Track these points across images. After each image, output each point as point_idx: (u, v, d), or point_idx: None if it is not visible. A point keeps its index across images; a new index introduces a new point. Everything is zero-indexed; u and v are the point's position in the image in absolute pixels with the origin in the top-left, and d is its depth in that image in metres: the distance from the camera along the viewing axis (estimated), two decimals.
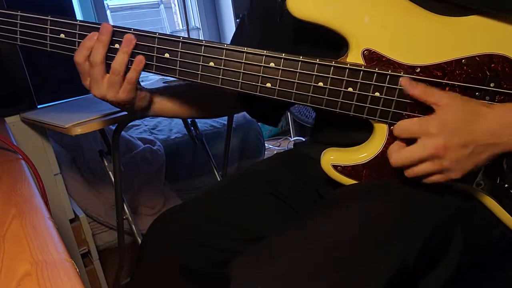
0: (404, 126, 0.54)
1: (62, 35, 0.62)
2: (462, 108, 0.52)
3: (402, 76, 0.56)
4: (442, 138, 0.51)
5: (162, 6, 2.67)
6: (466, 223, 0.60)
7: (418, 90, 0.54)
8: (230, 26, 2.62)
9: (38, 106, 1.20)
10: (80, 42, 0.61)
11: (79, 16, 2.20)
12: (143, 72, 0.63)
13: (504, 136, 0.52)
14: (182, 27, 2.64)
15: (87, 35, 0.61)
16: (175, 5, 2.70)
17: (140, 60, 0.61)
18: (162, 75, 0.63)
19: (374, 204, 0.57)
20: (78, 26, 0.61)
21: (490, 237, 0.63)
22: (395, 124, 0.58)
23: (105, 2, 2.30)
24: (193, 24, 2.63)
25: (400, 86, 0.57)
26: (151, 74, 0.65)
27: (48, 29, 0.62)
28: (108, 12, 2.35)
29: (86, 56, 0.60)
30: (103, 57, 0.60)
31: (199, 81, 0.62)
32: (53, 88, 1.27)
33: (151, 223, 0.79)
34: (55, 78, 1.23)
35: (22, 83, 1.15)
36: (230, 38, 0.85)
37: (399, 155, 0.54)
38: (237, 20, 2.44)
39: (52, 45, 0.63)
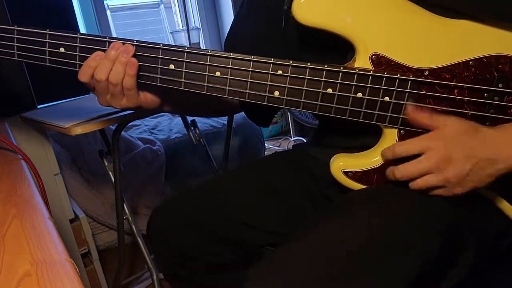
0: (405, 149, 0.55)
1: (62, 49, 0.60)
2: (460, 126, 0.54)
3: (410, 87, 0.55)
4: (443, 148, 0.53)
5: (162, 6, 2.66)
6: (478, 223, 0.60)
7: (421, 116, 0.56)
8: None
9: (38, 106, 1.20)
10: (81, 56, 0.60)
11: (79, 16, 2.20)
12: None
13: (504, 152, 0.52)
14: (182, 27, 2.64)
15: (88, 47, 0.59)
16: (175, 5, 2.70)
17: (132, 63, 0.58)
18: (166, 87, 0.61)
19: (389, 208, 0.56)
20: (78, 39, 0.60)
21: (499, 236, 0.63)
22: (405, 129, 0.58)
23: (105, 2, 2.30)
24: (193, 24, 2.63)
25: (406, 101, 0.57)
26: None
27: (47, 43, 0.60)
28: (108, 12, 2.35)
29: (91, 75, 0.60)
30: (107, 75, 0.59)
31: (205, 92, 0.60)
32: (53, 88, 1.26)
33: (153, 210, 0.83)
34: (55, 78, 1.23)
35: (22, 83, 1.15)
36: None
37: (404, 168, 0.55)
38: None
39: (51, 60, 0.61)
